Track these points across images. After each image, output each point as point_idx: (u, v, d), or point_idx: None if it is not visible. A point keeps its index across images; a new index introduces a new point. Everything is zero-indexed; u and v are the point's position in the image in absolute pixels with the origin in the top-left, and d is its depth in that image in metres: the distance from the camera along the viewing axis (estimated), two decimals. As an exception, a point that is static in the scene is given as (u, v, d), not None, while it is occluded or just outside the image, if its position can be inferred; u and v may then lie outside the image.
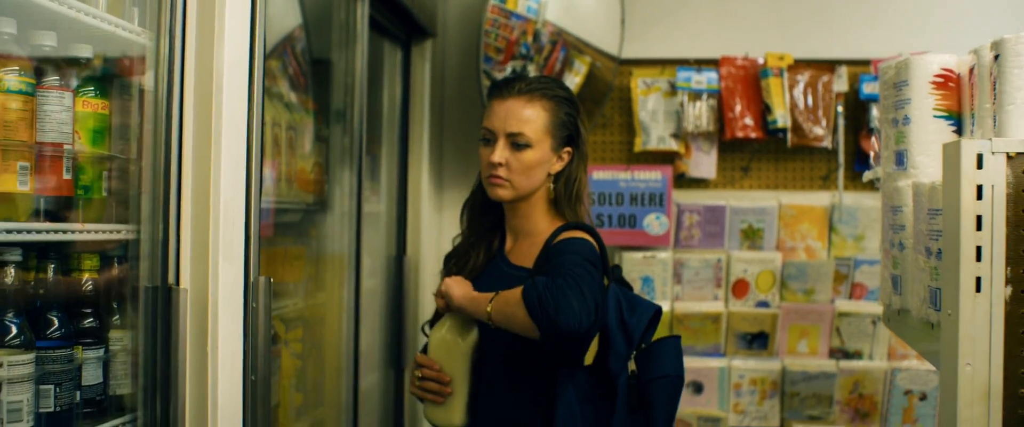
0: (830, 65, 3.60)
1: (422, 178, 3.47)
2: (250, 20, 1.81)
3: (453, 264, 2.28)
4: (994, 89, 1.72)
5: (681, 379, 2.16)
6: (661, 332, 2.21)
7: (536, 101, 2.14)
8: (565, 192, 2.20)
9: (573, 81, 3.52)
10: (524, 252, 2.18)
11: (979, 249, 1.55)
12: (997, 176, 1.55)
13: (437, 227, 3.63)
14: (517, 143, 2.12)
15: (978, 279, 1.55)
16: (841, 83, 3.55)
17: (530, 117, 2.12)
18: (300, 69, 2.81)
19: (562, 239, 2.08)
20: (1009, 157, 1.55)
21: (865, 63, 3.55)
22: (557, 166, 2.18)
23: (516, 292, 1.92)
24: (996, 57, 1.71)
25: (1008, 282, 1.55)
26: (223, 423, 1.73)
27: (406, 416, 3.41)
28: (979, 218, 1.55)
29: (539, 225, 2.17)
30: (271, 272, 2.51)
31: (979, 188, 1.55)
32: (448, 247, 3.54)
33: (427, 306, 3.52)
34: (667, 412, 2.12)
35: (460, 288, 2.09)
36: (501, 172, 2.13)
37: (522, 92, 2.14)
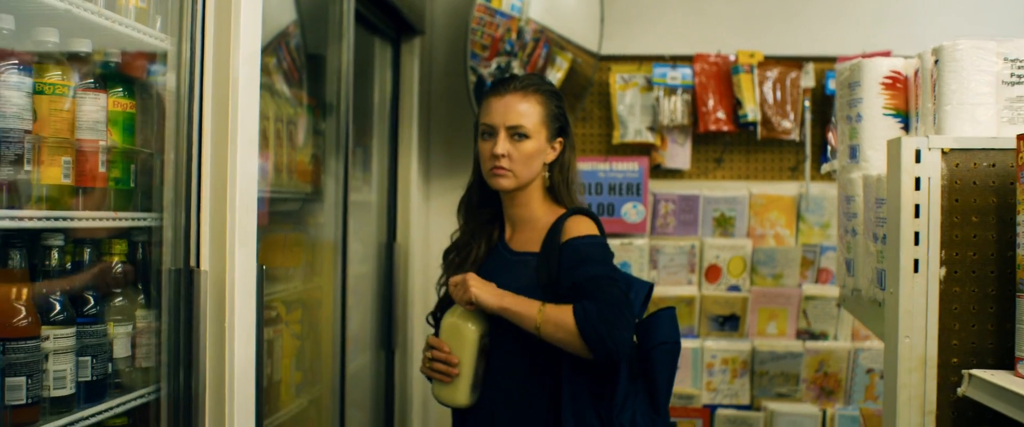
0: (798, 62, 3.76)
1: (411, 169, 3.62)
2: (260, 21, 1.97)
3: (454, 257, 2.41)
4: (934, 91, 1.91)
5: (678, 345, 2.33)
6: (641, 312, 2.39)
7: (531, 96, 2.30)
8: (561, 179, 2.35)
9: (555, 76, 3.67)
10: (525, 238, 2.33)
11: (917, 234, 1.74)
12: (933, 169, 1.74)
13: (425, 215, 3.79)
14: (518, 134, 2.27)
15: (916, 261, 1.74)
16: (808, 79, 3.72)
17: (527, 110, 2.28)
18: (294, 64, 2.94)
19: (577, 237, 2.21)
20: (944, 152, 1.74)
21: (831, 60, 3.72)
22: (551, 156, 2.33)
23: (568, 318, 2.09)
24: (936, 62, 1.90)
25: (942, 263, 1.74)
26: (239, 392, 1.89)
27: (397, 395, 3.58)
28: (917, 207, 1.74)
29: (537, 212, 2.33)
30: (273, 258, 2.67)
31: (917, 180, 1.74)
32: (435, 234, 3.73)
33: (416, 290, 3.69)
34: (668, 375, 2.29)
35: (489, 292, 2.19)
36: (504, 163, 2.26)
37: (517, 89, 2.30)
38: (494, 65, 3.58)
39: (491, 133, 2.30)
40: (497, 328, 2.25)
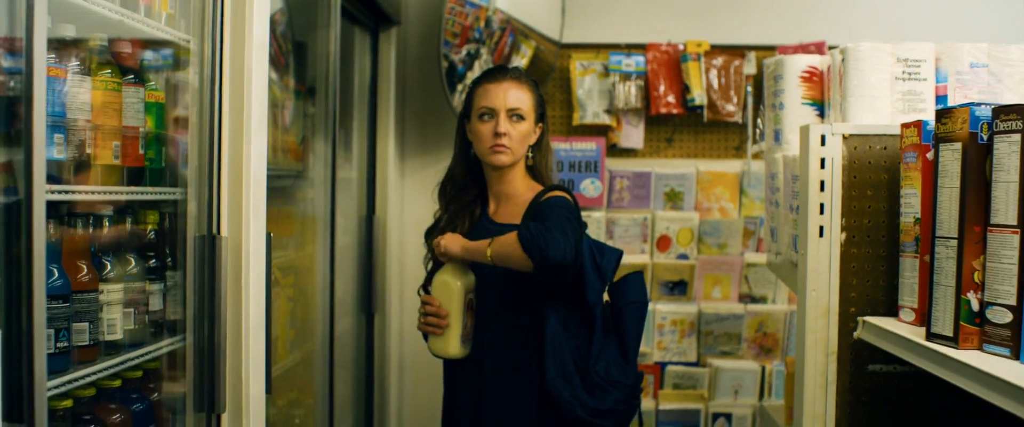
0: (741, 51, 4.07)
1: (389, 148, 3.92)
2: (268, 16, 2.27)
3: (434, 239, 2.60)
4: (841, 85, 2.26)
5: (646, 304, 2.61)
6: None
7: (524, 84, 2.58)
8: (540, 160, 2.63)
9: (520, 62, 3.94)
10: (508, 212, 2.57)
11: (822, 205, 2.09)
12: (835, 152, 2.08)
13: (400, 190, 4.10)
14: (516, 116, 2.53)
15: (821, 228, 2.09)
16: (750, 66, 4.04)
17: (523, 96, 2.56)
18: (280, 50, 3.17)
19: (547, 197, 2.49)
20: (844, 137, 2.08)
21: (771, 49, 3.96)
22: (534, 139, 2.60)
23: (511, 235, 2.32)
24: (843, 60, 2.25)
25: (843, 229, 2.09)
26: (254, 342, 2.20)
27: (376, 354, 3.90)
28: (822, 182, 2.09)
29: (520, 189, 2.59)
30: (268, 229, 2.97)
31: (823, 160, 2.09)
32: (410, 207, 4.05)
33: (393, 259, 4.00)
34: (636, 330, 2.57)
35: (457, 243, 2.46)
36: (504, 141, 2.51)
37: (512, 77, 2.57)
38: (464, 52, 3.85)
39: (491, 115, 2.53)
40: (486, 288, 2.52)
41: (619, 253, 2.58)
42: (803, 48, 3.83)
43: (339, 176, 3.36)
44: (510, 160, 2.55)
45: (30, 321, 1.42)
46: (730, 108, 4.04)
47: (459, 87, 3.81)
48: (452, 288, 2.49)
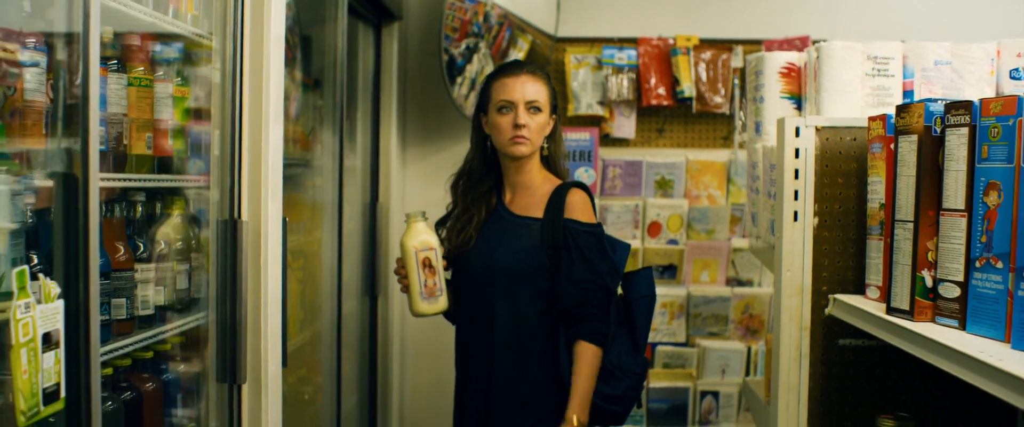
0: (729, 45, 4.24)
1: (391, 138, 4.09)
2: (284, 13, 2.44)
3: (449, 227, 2.76)
4: (816, 80, 2.43)
5: (654, 297, 2.75)
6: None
7: (540, 78, 2.70)
8: (554, 151, 2.73)
9: (517, 56, 4.09)
10: (525, 203, 2.67)
11: (797, 192, 2.26)
12: (809, 142, 2.26)
13: (402, 178, 4.27)
14: (534, 108, 2.64)
15: (796, 213, 2.26)
16: (737, 60, 4.20)
17: (540, 89, 2.67)
18: (288, 44, 3.34)
19: (579, 223, 2.60)
20: (817, 129, 2.26)
21: (758, 43, 4.18)
22: (548, 130, 2.71)
23: (589, 369, 2.56)
24: (817, 57, 2.42)
25: (815, 214, 2.26)
26: (271, 318, 2.38)
27: (379, 334, 4.08)
28: (797, 171, 2.26)
29: (535, 179, 2.69)
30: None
31: (797, 150, 2.26)
32: (411, 194, 4.22)
33: (395, 244, 4.15)
34: (646, 322, 2.72)
35: (585, 413, 2.57)
36: (524, 132, 2.60)
37: (529, 71, 2.69)
38: (463, 45, 3.99)
39: (510, 107, 2.62)
40: (498, 274, 2.62)
41: (628, 247, 2.72)
42: (788, 42, 4.00)
43: (345, 165, 3.53)
44: (529, 151, 2.65)
45: (87, 293, 1.60)
46: (718, 100, 4.22)
47: (458, 79, 3.97)
48: (405, 247, 2.65)
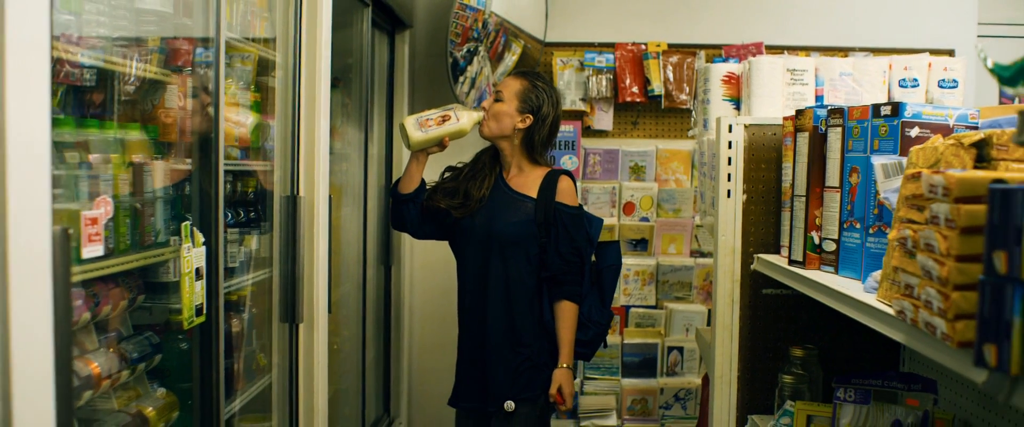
0: (693, 49, 4.76)
1: (403, 129, 4.69)
2: (330, 26, 3.06)
3: (462, 174, 3.33)
4: (748, 87, 3.08)
5: (620, 266, 3.41)
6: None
7: (518, 78, 3.29)
8: (526, 143, 3.24)
9: (511, 59, 4.59)
10: (520, 182, 3.24)
11: (730, 175, 2.90)
12: (739, 137, 2.90)
13: (411, 164, 4.86)
14: (498, 98, 3.25)
15: (729, 191, 2.90)
16: (701, 63, 4.73)
17: (509, 83, 3.27)
18: None
19: (566, 206, 3.20)
20: (746, 127, 2.90)
21: (718, 48, 4.67)
22: (520, 122, 3.22)
23: (569, 323, 3.23)
24: (750, 69, 3.07)
25: (744, 192, 2.90)
26: (320, 274, 3.00)
27: (392, 298, 4.69)
28: (730, 159, 2.90)
29: (524, 163, 3.27)
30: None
31: (730, 143, 2.91)
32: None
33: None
34: (612, 285, 3.38)
35: (569, 384, 3.24)
36: (487, 115, 3.23)
37: (514, 74, 3.32)
38: (465, 49, 4.44)
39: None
40: (492, 239, 3.21)
41: (602, 221, 3.34)
42: (744, 48, 4.60)
43: (368, 153, 4.15)
44: (488, 133, 3.27)
45: (217, 242, 2.25)
46: (683, 97, 4.81)
47: (461, 79, 4.53)
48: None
